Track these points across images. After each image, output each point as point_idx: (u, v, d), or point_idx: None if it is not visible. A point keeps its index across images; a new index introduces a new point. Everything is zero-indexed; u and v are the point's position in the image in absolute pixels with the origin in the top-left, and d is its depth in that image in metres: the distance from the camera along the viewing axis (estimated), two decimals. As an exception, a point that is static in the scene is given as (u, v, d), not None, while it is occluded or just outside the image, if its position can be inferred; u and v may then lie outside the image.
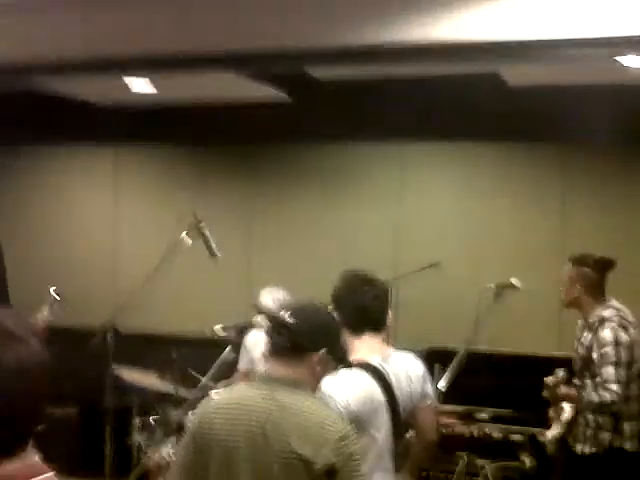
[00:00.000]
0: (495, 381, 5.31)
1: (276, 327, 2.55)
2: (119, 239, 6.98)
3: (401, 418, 3.12)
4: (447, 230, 6.06)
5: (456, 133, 5.81)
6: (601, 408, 4.06)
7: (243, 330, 3.62)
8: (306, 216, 6.43)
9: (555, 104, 5.34)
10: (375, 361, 3.10)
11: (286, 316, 2.53)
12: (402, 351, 3.27)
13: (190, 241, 4.68)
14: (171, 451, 3.15)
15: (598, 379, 4.07)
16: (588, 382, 4.15)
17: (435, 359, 4.68)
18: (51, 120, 6.51)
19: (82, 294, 6.40)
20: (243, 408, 2.45)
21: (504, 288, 4.08)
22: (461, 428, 4.97)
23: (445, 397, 5.11)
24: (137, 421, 4.77)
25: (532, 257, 5.72)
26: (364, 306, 3.17)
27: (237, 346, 3.58)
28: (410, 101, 5.61)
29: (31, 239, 7.14)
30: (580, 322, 4.39)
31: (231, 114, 6.16)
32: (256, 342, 5.09)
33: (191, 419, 2.59)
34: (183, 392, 4.75)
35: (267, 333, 2.60)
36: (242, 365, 5.13)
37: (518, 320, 5.60)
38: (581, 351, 4.26)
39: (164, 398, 4.63)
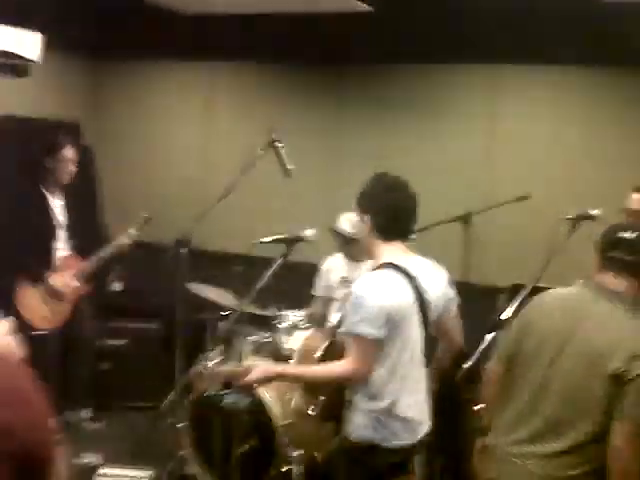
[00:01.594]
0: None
1: (615, 243, 2.78)
2: (210, 156, 6.94)
3: (430, 319, 3.16)
4: (539, 159, 5.70)
5: (550, 55, 5.42)
6: None
7: (291, 244, 3.50)
8: (392, 140, 6.16)
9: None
10: (404, 263, 3.09)
11: (628, 234, 2.76)
12: (424, 259, 3.22)
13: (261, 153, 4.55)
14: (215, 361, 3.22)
15: None
16: None
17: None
18: (147, 34, 6.52)
19: (171, 211, 6.43)
20: (566, 307, 2.84)
21: (582, 220, 3.77)
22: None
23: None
24: (209, 337, 4.79)
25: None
26: (398, 210, 3.13)
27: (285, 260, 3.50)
28: (504, 20, 5.29)
29: (125, 155, 7.24)
30: None
31: (322, 31, 5.98)
32: (332, 267, 4.99)
33: (522, 312, 3.05)
34: (257, 310, 4.81)
35: (602, 248, 2.82)
36: (318, 292, 5.03)
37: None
38: None
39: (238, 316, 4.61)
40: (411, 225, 3.18)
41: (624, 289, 2.74)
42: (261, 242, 3.56)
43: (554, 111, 5.71)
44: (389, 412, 3.08)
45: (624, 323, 2.68)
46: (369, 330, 2.94)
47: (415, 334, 3.13)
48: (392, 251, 3.12)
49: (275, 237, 3.57)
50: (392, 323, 2.99)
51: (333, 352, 3.30)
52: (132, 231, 5.41)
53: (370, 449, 3.11)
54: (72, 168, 5.39)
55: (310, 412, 3.45)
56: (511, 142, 5.81)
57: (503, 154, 5.84)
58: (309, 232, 3.54)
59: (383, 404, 3.07)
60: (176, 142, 7.09)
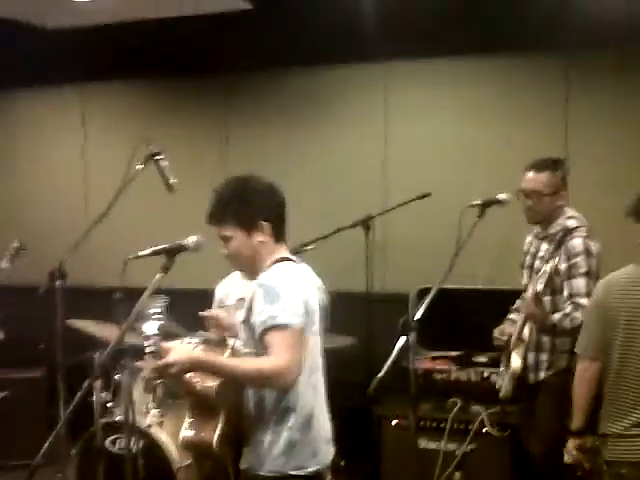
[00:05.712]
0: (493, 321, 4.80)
1: None
2: (89, 182, 6.46)
3: (324, 322, 2.92)
4: (439, 155, 5.44)
5: (441, 46, 5.21)
6: (573, 331, 3.57)
7: (174, 253, 3.02)
8: (285, 147, 5.82)
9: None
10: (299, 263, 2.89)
11: None
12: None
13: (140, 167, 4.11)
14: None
15: (565, 293, 3.76)
16: (547, 299, 3.82)
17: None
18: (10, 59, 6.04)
19: (47, 246, 5.91)
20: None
21: (490, 205, 3.56)
22: (457, 373, 4.53)
23: (440, 341, 4.74)
24: (97, 377, 4.27)
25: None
26: (283, 211, 2.89)
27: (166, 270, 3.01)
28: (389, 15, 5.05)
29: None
30: (531, 236, 4.09)
31: (197, 39, 5.67)
32: (227, 289, 4.50)
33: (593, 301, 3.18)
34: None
35: None
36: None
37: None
38: (538, 266, 3.86)
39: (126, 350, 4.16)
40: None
41: None
42: (137, 256, 3.07)
43: (447, 104, 5.46)
44: (304, 428, 2.70)
45: None
46: (293, 319, 2.60)
47: (319, 339, 2.83)
48: (282, 253, 2.84)
49: (153, 249, 3.08)
50: (308, 317, 2.69)
51: None
52: (3, 264, 4.88)
53: None
54: None
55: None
56: (407, 139, 5.53)
57: (399, 154, 5.55)
58: (192, 239, 3.05)
59: (299, 418, 2.69)
60: (50, 170, 6.61)
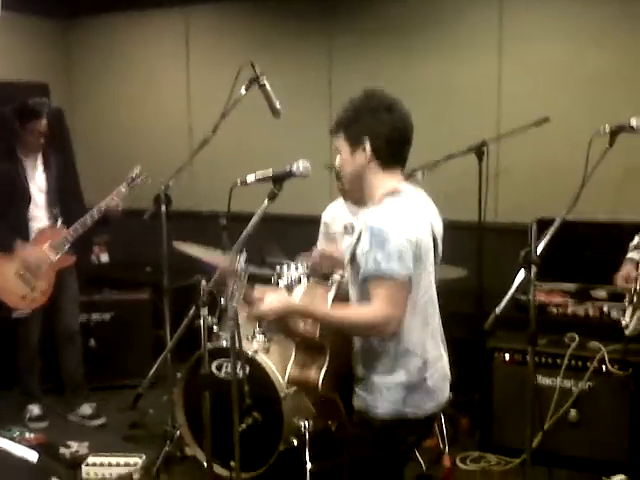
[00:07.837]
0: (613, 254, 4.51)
1: None
2: (193, 107, 6.47)
3: (439, 258, 2.76)
4: (555, 80, 5.13)
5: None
6: None
7: (281, 179, 2.90)
8: (393, 72, 5.55)
9: None
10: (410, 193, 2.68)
11: None
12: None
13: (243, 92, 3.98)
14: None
15: None
16: None
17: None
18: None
19: (154, 170, 5.96)
20: None
21: (621, 131, 3.24)
22: (574, 307, 4.31)
23: (556, 274, 4.53)
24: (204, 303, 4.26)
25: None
26: (401, 132, 2.66)
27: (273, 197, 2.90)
28: None
29: (107, 109, 6.83)
30: None
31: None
32: (334, 215, 4.45)
33: None
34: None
35: None
36: (320, 244, 4.51)
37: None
38: None
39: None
40: (409, 150, 2.70)
41: None
42: (244, 183, 2.97)
43: (566, 23, 5.12)
44: (420, 370, 2.59)
45: None
46: (399, 268, 2.46)
47: (433, 273, 2.68)
48: (392, 181, 2.65)
49: (259, 176, 2.97)
50: (418, 258, 2.54)
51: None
52: (122, 189, 4.84)
53: (396, 425, 2.60)
54: (42, 140, 4.85)
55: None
56: (523, 63, 5.24)
57: (514, 77, 5.27)
58: (301, 164, 2.93)
59: (415, 361, 2.58)
60: (155, 96, 6.62)
